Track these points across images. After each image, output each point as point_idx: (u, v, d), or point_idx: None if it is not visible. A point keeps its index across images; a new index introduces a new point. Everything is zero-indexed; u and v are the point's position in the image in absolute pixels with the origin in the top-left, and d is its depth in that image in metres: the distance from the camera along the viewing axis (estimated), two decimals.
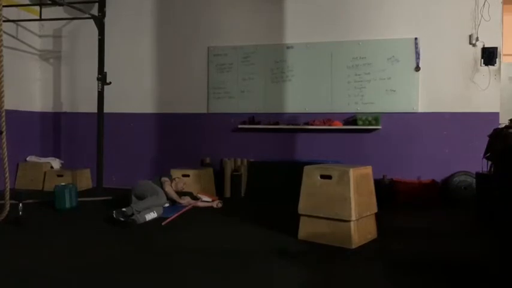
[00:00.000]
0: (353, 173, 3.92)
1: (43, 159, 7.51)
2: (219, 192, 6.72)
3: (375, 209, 4.29)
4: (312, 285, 3.12)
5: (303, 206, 4.15)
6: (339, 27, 6.68)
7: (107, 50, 6.65)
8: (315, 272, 3.35)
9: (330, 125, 6.58)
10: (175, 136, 7.34)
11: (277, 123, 6.84)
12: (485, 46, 6.19)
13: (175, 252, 3.84)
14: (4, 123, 4.51)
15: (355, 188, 3.92)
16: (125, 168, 7.38)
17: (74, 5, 6.64)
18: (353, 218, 3.88)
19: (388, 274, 3.34)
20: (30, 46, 7.65)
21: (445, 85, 6.36)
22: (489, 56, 6.13)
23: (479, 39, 6.22)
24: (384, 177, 6.22)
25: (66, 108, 7.82)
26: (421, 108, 6.42)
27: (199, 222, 5.01)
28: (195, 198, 5.87)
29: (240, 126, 6.96)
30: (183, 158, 7.10)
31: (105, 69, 6.56)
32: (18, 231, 4.50)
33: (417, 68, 6.39)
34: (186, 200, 5.69)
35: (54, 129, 7.86)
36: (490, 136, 4.98)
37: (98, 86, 6.55)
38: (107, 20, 6.64)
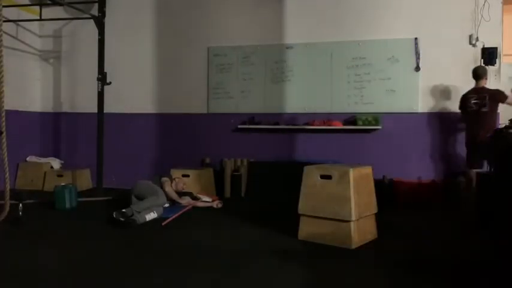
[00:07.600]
0: (353, 173, 3.93)
1: (43, 159, 7.51)
2: (219, 192, 6.71)
3: (375, 209, 4.29)
4: (312, 285, 3.13)
5: (303, 206, 4.15)
6: (339, 27, 6.68)
7: (107, 50, 6.65)
8: (315, 272, 3.36)
9: (329, 125, 6.57)
10: (175, 136, 7.34)
11: (277, 124, 6.84)
12: (485, 46, 6.17)
13: (175, 252, 3.84)
14: (4, 123, 4.50)
15: (355, 188, 3.92)
16: (125, 168, 7.37)
17: (74, 5, 6.64)
18: (353, 218, 3.88)
19: (388, 274, 3.34)
20: (30, 46, 7.65)
21: (445, 85, 6.36)
22: (489, 56, 6.10)
23: (479, 39, 6.22)
24: (384, 177, 6.22)
25: (66, 108, 7.82)
26: (421, 108, 6.42)
27: (199, 222, 5.01)
28: (195, 198, 5.87)
29: (240, 126, 6.95)
30: (183, 158, 7.09)
31: (105, 69, 6.57)
32: (18, 231, 4.50)
33: (417, 68, 6.39)
34: (186, 200, 5.69)
35: (54, 129, 7.86)
36: (490, 136, 4.98)
37: (98, 86, 6.55)
38: (107, 20, 6.64)
